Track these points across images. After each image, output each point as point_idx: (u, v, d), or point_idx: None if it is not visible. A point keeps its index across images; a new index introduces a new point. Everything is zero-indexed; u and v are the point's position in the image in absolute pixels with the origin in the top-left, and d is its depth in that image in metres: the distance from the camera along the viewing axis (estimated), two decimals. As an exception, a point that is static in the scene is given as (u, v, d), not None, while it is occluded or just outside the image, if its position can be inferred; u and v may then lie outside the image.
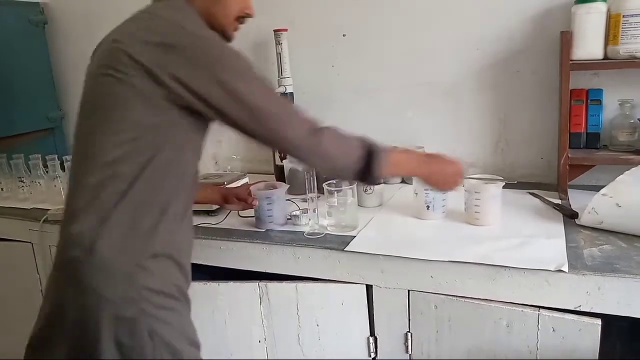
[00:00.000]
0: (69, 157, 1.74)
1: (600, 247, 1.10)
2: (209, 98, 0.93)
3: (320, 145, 0.99)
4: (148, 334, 0.91)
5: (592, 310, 1.02)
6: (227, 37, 1.08)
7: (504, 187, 1.27)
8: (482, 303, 1.09)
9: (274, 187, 1.37)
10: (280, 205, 1.35)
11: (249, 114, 0.95)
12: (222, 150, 2.01)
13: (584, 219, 1.20)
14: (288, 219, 1.37)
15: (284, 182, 1.53)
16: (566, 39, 1.35)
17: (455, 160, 1.15)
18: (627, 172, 1.14)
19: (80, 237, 0.91)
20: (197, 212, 1.35)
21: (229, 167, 1.95)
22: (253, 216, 1.38)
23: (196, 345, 1.01)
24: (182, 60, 0.91)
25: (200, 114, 0.96)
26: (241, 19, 1.10)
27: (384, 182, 1.07)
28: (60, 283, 0.95)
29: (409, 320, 1.17)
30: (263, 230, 1.34)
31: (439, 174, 1.14)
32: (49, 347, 0.95)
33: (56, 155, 1.77)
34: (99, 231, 0.90)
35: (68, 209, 0.95)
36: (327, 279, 1.23)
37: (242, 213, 1.43)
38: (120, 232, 0.91)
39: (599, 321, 1.01)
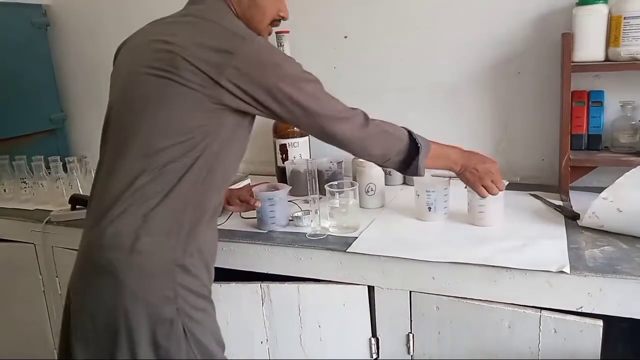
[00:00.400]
0: (71, 159, 1.75)
1: (602, 248, 1.10)
2: (265, 102, 0.97)
3: (367, 140, 1.07)
4: (184, 334, 0.92)
5: (593, 312, 1.02)
6: None
7: (506, 188, 1.27)
8: (484, 304, 1.09)
9: (276, 189, 1.37)
10: (282, 206, 1.36)
11: (304, 115, 1.01)
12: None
13: (585, 222, 1.20)
14: (290, 220, 1.38)
15: (286, 183, 1.54)
16: (567, 41, 1.35)
17: (491, 159, 1.21)
18: (626, 174, 1.14)
19: (120, 237, 0.91)
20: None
21: (230, 169, 1.95)
22: (255, 217, 1.38)
23: (222, 345, 1.03)
24: (240, 65, 0.93)
25: (249, 114, 1.00)
26: (275, 21, 1.12)
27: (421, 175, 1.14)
28: (92, 285, 0.94)
29: (411, 321, 1.18)
30: (265, 232, 1.34)
31: (473, 170, 1.19)
32: (80, 349, 0.94)
33: (58, 157, 1.77)
34: (140, 231, 0.91)
35: (101, 208, 0.94)
36: (329, 280, 1.23)
37: (244, 214, 1.44)
38: (163, 230, 0.92)
39: (600, 322, 1.01)
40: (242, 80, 0.94)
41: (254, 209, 1.35)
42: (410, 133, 1.13)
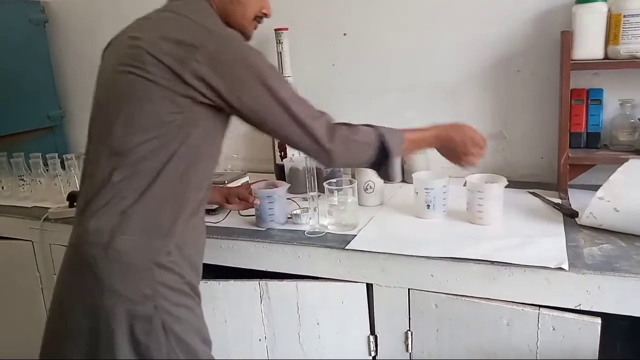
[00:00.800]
0: (69, 156, 1.75)
1: (600, 246, 1.10)
2: (228, 97, 0.94)
3: (334, 150, 1.01)
4: (163, 331, 0.91)
5: (592, 309, 1.02)
6: (246, 37, 1.08)
7: (505, 186, 1.27)
8: (483, 302, 1.09)
9: (275, 186, 1.37)
10: (281, 204, 1.35)
11: (267, 114, 0.96)
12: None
13: (583, 222, 1.20)
14: (289, 217, 1.37)
15: (285, 180, 1.53)
16: (567, 39, 1.35)
17: (470, 134, 1.15)
18: (618, 169, 1.13)
19: (99, 233, 0.91)
20: (197, 211, 1.35)
21: (229, 166, 1.95)
22: (254, 215, 1.38)
23: (209, 343, 1.02)
24: (204, 59, 0.91)
25: (221, 110, 0.97)
26: (259, 18, 1.11)
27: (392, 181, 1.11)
28: (75, 280, 0.95)
29: (409, 319, 1.18)
30: (264, 229, 1.34)
31: (450, 149, 1.16)
32: (63, 347, 0.94)
33: (56, 154, 1.77)
34: (118, 228, 0.91)
35: (83, 204, 0.95)
36: (328, 277, 1.23)
37: (243, 212, 1.43)
38: (140, 228, 0.92)
39: (598, 320, 1.01)
40: (207, 75, 0.91)
41: (253, 207, 1.35)
42: (380, 136, 1.06)
